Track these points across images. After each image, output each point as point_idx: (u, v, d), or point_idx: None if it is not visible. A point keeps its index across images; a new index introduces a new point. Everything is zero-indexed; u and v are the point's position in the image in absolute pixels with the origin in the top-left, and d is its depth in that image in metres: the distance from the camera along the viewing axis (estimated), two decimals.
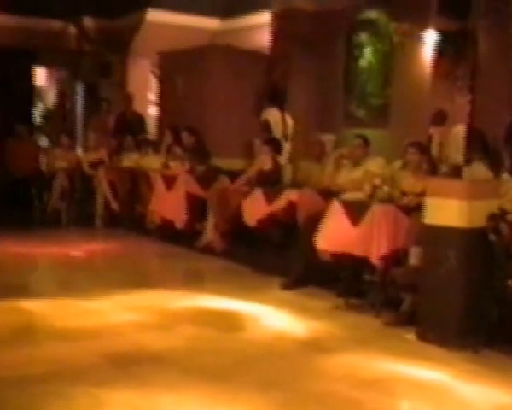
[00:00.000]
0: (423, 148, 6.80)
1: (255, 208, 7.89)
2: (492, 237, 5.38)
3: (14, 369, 4.47)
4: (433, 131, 7.65)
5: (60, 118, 14.28)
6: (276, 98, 9.29)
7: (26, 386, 3.98)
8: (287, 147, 9.05)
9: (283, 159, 9.04)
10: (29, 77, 13.20)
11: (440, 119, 7.46)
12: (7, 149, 11.33)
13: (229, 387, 4.32)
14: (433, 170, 6.42)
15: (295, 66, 9.84)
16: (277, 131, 9.16)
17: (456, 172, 5.58)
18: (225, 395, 4.12)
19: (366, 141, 7.54)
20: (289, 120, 9.34)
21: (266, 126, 9.21)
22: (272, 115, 9.24)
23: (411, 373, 4.86)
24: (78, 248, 8.93)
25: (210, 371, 4.60)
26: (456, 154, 5.75)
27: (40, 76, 15.15)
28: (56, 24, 12.96)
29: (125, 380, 4.29)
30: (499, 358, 5.22)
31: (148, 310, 6.08)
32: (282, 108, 9.26)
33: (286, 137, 9.10)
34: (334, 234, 6.52)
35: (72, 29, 13.11)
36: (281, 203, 7.66)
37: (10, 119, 11.49)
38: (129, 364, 4.63)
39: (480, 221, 5.41)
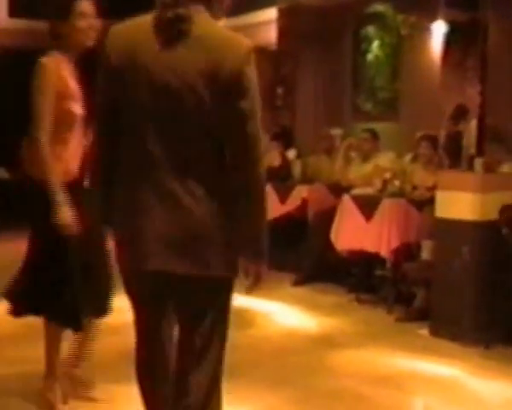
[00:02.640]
0: (435, 141, 6.74)
1: (270, 208, 7.82)
2: (505, 229, 5.32)
3: (19, 366, 4.44)
4: (453, 126, 7.50)
5: None
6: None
7: (32, 382, 3.97)
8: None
9: (292, 154, 8.98)
10: None
11: (461, 113, 7.35)
12: (23, 149, 11.38)
13: (241, 383, 4.28)
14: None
15: (303, 61, 9.78)
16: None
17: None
18: (237, 392, 4.07)
19: (374, 134, 7.48)
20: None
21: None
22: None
23: (424, 369, 4.81)
24: None
25: None
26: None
27: None
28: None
29: None
30: None
31: None
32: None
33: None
34: (351, 231, 6.49)
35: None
36: (295, 202, 7.62)
37: (23, 120, 11.53)
38: None
39: (492, 214, 5.35)
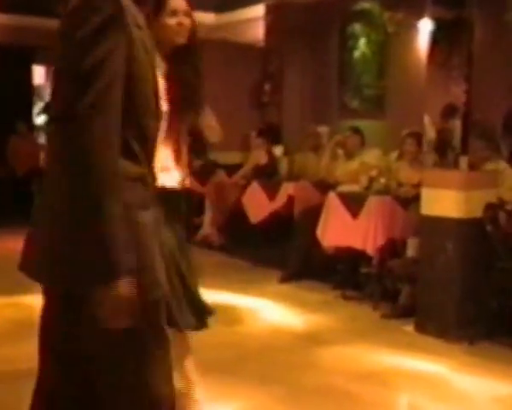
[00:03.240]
0: (421, 139, 6.76)
1: (258, 206, 7.85)
2: (489, 227, 5.36)
3: (14, 364, 4.45)
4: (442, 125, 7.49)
5: None
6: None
7: (26, 381, 3.96)
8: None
9: (279, 151, 9.00)
10: (28, 75, 13.17)
11: (450, 112, 7.35)
12: (9, 147, 11.41)
13: (227, 380, 4.30)
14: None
15: (290, 58, 9.80)
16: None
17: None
18: (224, 389, 4.10)
19: (360, 132, 7.51)
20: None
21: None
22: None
23: (409, 365, 4.84)
24: None
25: (208, 364, 4.56)
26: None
27: (39, 74, 15.06)
28: (55, 22, 12.90)
29: None
30: (498, 349, 5.19)
31: None
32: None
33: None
34: (337, 229, 6.51)
35: None
36: (282, 200, 7.64)
37: (11, 117, 11.52)
38: None
39: (477, 211, 5.39)
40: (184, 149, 3.45)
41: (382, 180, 6.69)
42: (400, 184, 6.59)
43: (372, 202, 6.30)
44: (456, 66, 5.75)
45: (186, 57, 3.28)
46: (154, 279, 1.92)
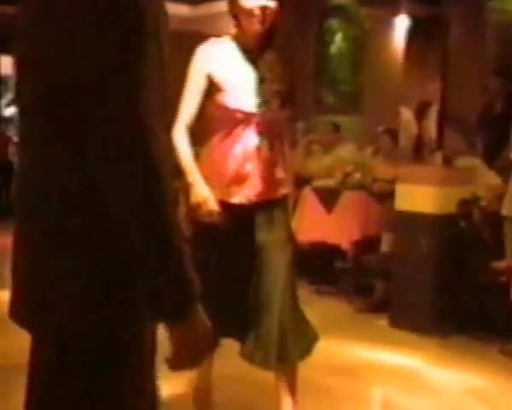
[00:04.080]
0: (396, 135, 6.81)
1: None
2: (463, 223, 5.41)
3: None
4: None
5: None
6: None
7: (1, 376, 3.95)
8: None
9: None
10: None
11: (423, 109, 7.42)
12: None
13: None
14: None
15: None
16: None
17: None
18: None
19: (336, 127, 7.53)
20: None
21: None
22: None
23: (383, 359, 4.88)
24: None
25: None
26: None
27: (6, 65, 14.85)
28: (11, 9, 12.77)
29: None
30: (470, 343, 5.25)
31: None
32: None
33: None
34: (312, 223, 6.52)
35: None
36: None
37: None
38: None
39: (451, 207, 5.44)
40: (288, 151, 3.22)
41: (357, 176, 6.72)
42: (375, 180, 6.62)
43: (347, 197, 6.33)
44: (432, 62, 5.80)
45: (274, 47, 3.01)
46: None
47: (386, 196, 6.14)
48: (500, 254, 5.23)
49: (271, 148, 3.06)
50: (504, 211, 5.23)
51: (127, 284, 1.46)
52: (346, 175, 6.81)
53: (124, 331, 1.49)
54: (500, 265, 5.21)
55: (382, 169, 6.66)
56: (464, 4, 6.50)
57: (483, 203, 5.51)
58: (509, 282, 4.98)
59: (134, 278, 1.44)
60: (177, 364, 1.50)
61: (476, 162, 5.92)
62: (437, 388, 4.41)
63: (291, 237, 3.25)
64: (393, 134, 6.72)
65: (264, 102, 2.98)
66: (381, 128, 6.91)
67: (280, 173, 3.13)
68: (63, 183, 1.46)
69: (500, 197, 5.32)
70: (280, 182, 3.13)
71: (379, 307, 5.92)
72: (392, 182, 6.04)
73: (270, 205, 3.09)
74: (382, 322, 5.71)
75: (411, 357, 4.91)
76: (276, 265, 3.08)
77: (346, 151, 7.37)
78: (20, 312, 1.61)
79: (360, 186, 6.56)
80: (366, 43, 8.59)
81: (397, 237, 5.75)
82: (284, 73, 3.04)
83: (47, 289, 1.50)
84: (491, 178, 5.79)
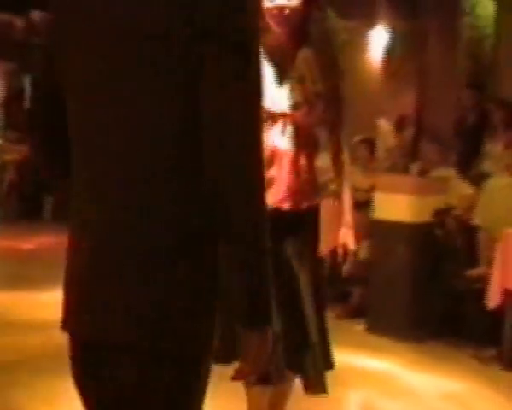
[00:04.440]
0: (373, 145, 6.93)
1: None
2: (438, 231, 5.54)
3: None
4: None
5: (7, 111, 14.06)
6: None
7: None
8: None
9: None
10: None
11: (403, 124, 7.55)
12: None
13: None
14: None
15: None
16: None
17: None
18: None
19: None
20: None
21: None
22: None
23: (361, 363, 4.97)
24: (28, 241, 8.85)
25: None
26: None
27: None
28: (2, 16, 12.73)
29: None
30: (445, 348, 5.38)
31: None
32: None
33: None
34: None
35: (19, 22, 12.92)
36: None
37: None
38: None
39: (427, 216, 5.57)
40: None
41: (334, 185, 6.80)
42: (352, 189, 6.71)
43: (324, 206, 6.42)
44: (409, 75, 5.93)
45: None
46: None
47: (364, 205, 6.26)
48: (473, 262, 5.38)
49: (299, 152, 2.87)
50: (476, 220, 5.39)
51: (215, 295, 1.47)
52: (323, 184, 6.89)
53: (207, 343, 1.51)
54: (474, 272, 5.35)
55: (360, 179, 6.78)
56: (440, 19, 6.63)
57: (457, 212, 5.65)
58: (483, 288, 5.11)
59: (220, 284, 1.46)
60: (243, 372, 1.52)
61: (450, 173, 6.06)
62: (413, 392, 4.53)
63: (316, 257, 3.12)
64: (371, 144, 6.84)
65: (291, 103, 2.79)
66: (358, 138, 7.03)
67: (309, 181, 2.97)
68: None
69: (473, 207, 5.48)
70: (309, 190, 2.98)
71: (356, 313, 6.02)
72: (370, 191, 6.15)
73: (297, 216, 2.93)
74: (360, 327, 5.81)
75: (388, 362, 5.02)
76: (304, 287, 2.92)
77: (322, 160, 7.46)
78: (99, 327, 1.50)
79: (337, 195, 6.65)
80: (344, 54, 8.70)
81: (374, 244, 5.86)
82: (321, 74, 2.82)
83: (139, 303, 1.43)
84: (465, 189, 5.94)
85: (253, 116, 1.40)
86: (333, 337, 5.47)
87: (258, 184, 1.39)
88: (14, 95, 13.88)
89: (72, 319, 1.56)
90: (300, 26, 2.78)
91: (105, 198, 1.47)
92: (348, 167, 3.13)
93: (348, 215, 3.20)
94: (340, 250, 3.13)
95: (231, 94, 1.36)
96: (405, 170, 6.15)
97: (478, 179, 5.93)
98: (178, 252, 1.42)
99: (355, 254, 3.25)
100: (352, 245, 3.10)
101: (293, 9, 2.73)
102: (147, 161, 1.42)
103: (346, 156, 3.09)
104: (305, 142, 2.89)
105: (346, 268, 6.15)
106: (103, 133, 1.47)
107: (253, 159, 1.38)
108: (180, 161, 1.42)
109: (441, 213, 5.62)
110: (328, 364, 3.07)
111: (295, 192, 2.87)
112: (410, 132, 5.71)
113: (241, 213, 1.37)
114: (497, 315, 5.03)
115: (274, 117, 2.78)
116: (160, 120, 1.41)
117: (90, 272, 1.48)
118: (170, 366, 1.46)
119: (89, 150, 1.50)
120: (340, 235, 3.07)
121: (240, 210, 1.37)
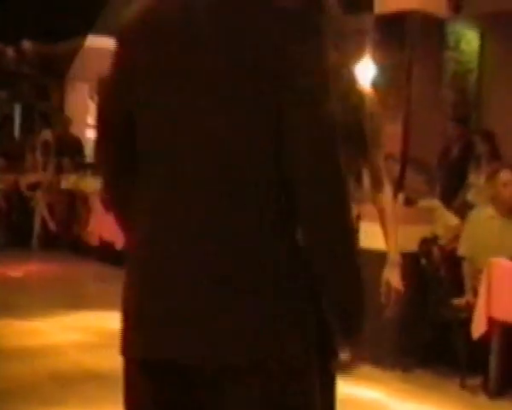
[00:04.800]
0: (360, 175, 7.00)
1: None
2: (424, 261, 5.60)
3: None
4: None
5: None
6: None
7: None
8: None
9: None
10: None
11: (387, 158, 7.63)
12: None
13: None
14: None
15: None
16: None
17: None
18: None
19: None
20: None
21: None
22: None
23: (347, 392, 4.99)
24: (16, 269, 8.87)
25: None
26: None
27: None
28: None
29: (71, 398, 4.39)
30: (431, 377, 5.42)
31: (88, 330, 6.12)
32: None
33: None
34: None
35: (10, 51, 13.03)
36: None
37: None
38: (74, 383, 4.72)
39: (412, 246, 5.63)
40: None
41: None
42: None
43: None
44: (394, 105, 6.01)
45: None
46: None
47: None
48: (459, 291, 5.44)
49: None
50: (460, 250, 5.46)
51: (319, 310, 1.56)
52: None
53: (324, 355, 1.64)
54: (460, 301, 5.41)
55: None
56: (426, 52, 6.75)
57: (442, 242, 5.72)
58: (468, 317, 5.17)
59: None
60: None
61: (436, 203, 6.14)
62: None
63: None
64: (357, 174, 6.91)
65: None
66: None
67: None
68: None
69: (457, 237, 5.54)
70: None
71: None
72: (356, 220, 6.22)
73: None
74: (346, 356, 5.83)
75: (374, 390, 5.06)
76: None
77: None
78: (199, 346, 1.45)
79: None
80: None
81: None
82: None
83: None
84: (450, 219, 6.01)
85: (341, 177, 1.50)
86: None
87: (353, 250, 1.58)
88: (3, 123, 13.95)
89: (158, 343, 1.48)
90: None
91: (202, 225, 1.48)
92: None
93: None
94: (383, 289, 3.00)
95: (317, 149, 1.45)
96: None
97: (462, 210, 6.01)
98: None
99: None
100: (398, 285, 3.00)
101: None
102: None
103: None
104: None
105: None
106: (190, 165, 1.47)
107: (346, 226, 1.51)
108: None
109: (427, 243, 5.68)
110: None
111: None
112: (395, 162, 5.79)
113: (341, 289, 1.56)
114: (483, 344, 5.08)
115: None
116: (255, 156, 1.44)
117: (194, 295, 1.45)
118: (292, 378, 1.50)
119: (175, 186, 1.50)
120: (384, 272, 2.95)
121: (339, 287, 1.55)
